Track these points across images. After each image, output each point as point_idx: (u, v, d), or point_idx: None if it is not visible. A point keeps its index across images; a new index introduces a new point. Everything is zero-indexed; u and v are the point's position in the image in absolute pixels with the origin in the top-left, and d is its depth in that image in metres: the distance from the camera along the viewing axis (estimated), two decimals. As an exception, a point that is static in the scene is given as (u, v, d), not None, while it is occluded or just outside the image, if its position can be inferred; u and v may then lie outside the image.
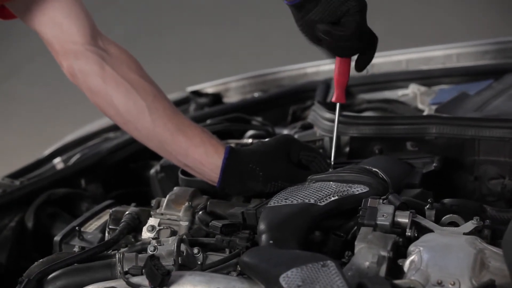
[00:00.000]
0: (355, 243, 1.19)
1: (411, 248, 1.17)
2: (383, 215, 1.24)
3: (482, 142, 1.58)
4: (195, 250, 1.34)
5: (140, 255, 1.33)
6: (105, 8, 6.22)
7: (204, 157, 1.51)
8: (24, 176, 2.14)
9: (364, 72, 1.56)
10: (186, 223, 1.48)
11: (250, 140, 1.84)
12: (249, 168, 1.49)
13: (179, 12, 6.49)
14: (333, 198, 1.34)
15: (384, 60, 2.42)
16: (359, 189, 1.37)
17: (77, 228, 1.60)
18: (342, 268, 1.11)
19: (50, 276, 1.31)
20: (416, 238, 1.21)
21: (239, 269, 1.25)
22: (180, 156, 1.54)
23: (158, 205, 1.54)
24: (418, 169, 1.57)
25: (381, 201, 1.27)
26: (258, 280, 1.15)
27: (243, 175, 1.49)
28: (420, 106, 2.14)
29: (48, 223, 1.89)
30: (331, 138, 1.65)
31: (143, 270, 1.20)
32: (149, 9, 6.75)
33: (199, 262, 1.33)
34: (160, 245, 1.33)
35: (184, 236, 1.36)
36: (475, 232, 1.23)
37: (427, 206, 1.31)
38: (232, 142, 1.80)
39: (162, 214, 1.51)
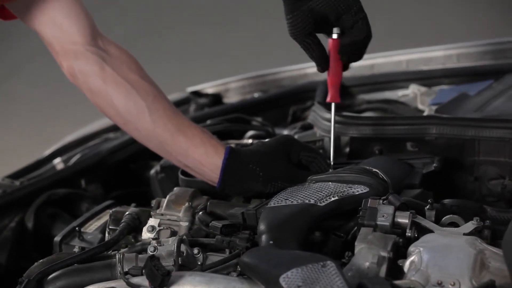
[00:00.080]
0: (355, 243, 1.19)
1: (411, 248, 1.17)
2: (383, 216, 1.24)
3: (482, 143, 1.58)
4: (195, 251, 1.34)
5: (140, 256, 1.33)
6: (105, 8, 6.22)
7: (204, 158, 1.51)
8: (24, 177, 2.14)
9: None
10: (186, 223, 1.48)
11: (250, 141, 1.84)
12: (249, 169, 1.49)
13: (179, 12, 6.49)
14: (333, 199, 1.34)
15: (384, 61, 2.43)
16: (359, 189, 1.37)
17: (77, 228, 1.60)
18: (342, 268, 1.11)
19: (50, 276, 1.31)
20: (416, 239, 1.21)
21: (239, 269, 1.25)
22: (180, 156, 1.54)
23: (158, 206, 1.54)
24: (418, 169, 1.57)
25: (381, 201, 1.27)
26: (258, 280, 1.15)
27: (243, 176, 1.49)
28: (420, 106, 2.14)
29: (48, 223, 1.89)
30: (331, 138, 1.65)
31: (143, 271, 1.20)
32: (149, 9, 6.76)
33: (199, 263, 1.34)
34: (160, 246, 1.33)
35: (184, 237, 1.36)
36: (475, 232, 1.23)
37: (427, 207, 1.31)
38: (232, 143, 1.80)
39: (162, 214, 1.51)
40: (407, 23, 5.58)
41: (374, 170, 1.43)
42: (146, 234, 1.46)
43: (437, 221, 1.30)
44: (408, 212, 1.25)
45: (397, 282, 1.08)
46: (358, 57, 1.53)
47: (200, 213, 1.48)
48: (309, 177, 1.46)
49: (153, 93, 1.53)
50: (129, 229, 1.48)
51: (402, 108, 2.14)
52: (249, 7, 6.21)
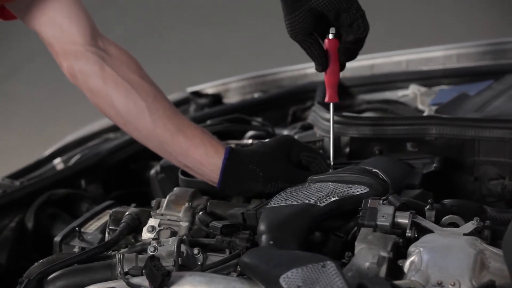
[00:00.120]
0: (355, 243, 1.19)
1: (411, 248, 1.17)
2: (383, 216, 1.24)
3: (482, 143, 1.58)
4: (195, 251, 1.34)
5: (140, 256, 1.33)
6: (105, 8, 6.22)
7: (204, 158, 1.51)
8: (24, 177, 2.15)
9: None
10: (186, 223, 1.48)
11: (250, 141, 1.84)
12: (249, 169, 1.49)
13: (179, 12, 6.49)
14: (333, 199, 1.34)
15: (384, 61, 2.43)
16: (359, 189, 1.37)
17: (77, 228, 1.60)
18: (342, 268, 1.11)
19: (50, 276, 1.31)
20: (416, 239, 1.21)
21: (239, 269, 1.25)
22: (180, 156, 1.54)
23: (158, 206, 1.54)
24: (418, 169, 1.57)
25: (381, 201, 1.27)
26: (258, 280, 1.15)
27: (243, 176, 1.49)
28: (420, 106, 2.14)
29: (48, 223, 1.89)
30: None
31: (143, 271, 1.20)
32: (149, 9, 6.76)
33: (199, 263, 1.34)
34: (160, 246, 1.33)
35: (184, 237, 1.36)
36: (475, 232, 1.23)
37: (427, 207, 1.31)
38: (232, 143, 1.80)
39: (162, 214, 1.51)
40: (407, 23, 5.58)
41: (374, 170, 1.43)
42: (146, 234, 1.46)
43: (437, 221, 1.30)
44: (408, 212, 1.25)
45: (397, 282, 1.08)
46: (354, 55, 1.53)
47: (200, 213, 1.48)
48: (309, 177, 1.46)
49: (153, 93, 1.53)
50: (129, 229, 1.48)
51: (402, 108, 2.14)
52: (249, 7, 6.21)
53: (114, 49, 1.56)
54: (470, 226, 1.24)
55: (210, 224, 1.40)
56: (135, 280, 1.22)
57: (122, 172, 2.15)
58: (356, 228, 1.27)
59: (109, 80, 1.52)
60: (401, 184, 1.47)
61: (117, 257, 1.32)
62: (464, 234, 1.22)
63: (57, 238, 1.59)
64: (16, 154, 3.92)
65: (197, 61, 5.67)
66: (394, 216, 1.24)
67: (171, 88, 2.26)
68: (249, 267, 1.18)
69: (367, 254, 1.16)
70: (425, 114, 1.97)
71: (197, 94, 2.67)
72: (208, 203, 1.51)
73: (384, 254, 1.15)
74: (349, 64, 1.57)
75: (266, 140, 1.61)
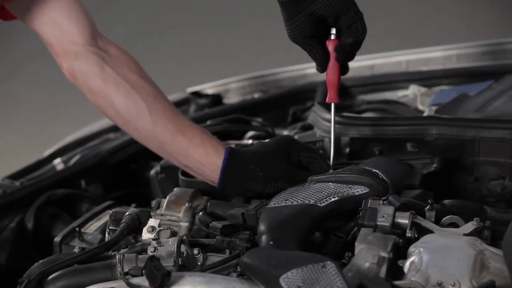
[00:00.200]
0: (355, 244, 1.19)
1: (411, 249, 1.17)
2: (383, 216, 1.24)
3: (482, 143, 1.58)
4: (195, 251, 1.34)
5: (140, 256, 1.33)
6: (105, 8, 6.22)
7: (204, 158, 1.51)
8: (24, 177, 2.14)
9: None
10: (186, 224, 1.48)
11: (250, 141, 1.84)
12: (249, 169, 1.49)
13: (179, 12, 6.49)
14: (333, 199, 1.34)
15: (384, 61, 2.42)
16: (359, 190, 1.37)
17: (77, 229, 1.60)
18: (342, 269, 1.11)
19: (50, 277, 1.31)
20: (416, 239, 1.21)
21: (239, 270, 1.25)
22: (180, 156, 1.54)
23: (158, 206, 1.54)
24: (418, 170, 1.57)
25: (381, 202, 1.27)
26: (258, 281, 1.15)
27: (243, 176, 1.49)
28: (420, 107, 2.14)
29: (48, 224, 1.89)
30: (331, 139, 1.65)
31: (143, 271, 1.20)
32: (149, 9, 6.76)
33: (199, 263, 1.34)
34: (160, 246, 1.33)
35: (184, 237, 1.36)
36: (475, 233, 1.23)
37: (427, 207, 1.31)
38: (232, 143, 1.80)
39: (162, 215, 1.51)
40: (407, 23, 5.58)
41: (374, 170, 1.43)
42: (146, 235, 1.46)
43: (437, 221, 1.30)
44: (408, 213, 1.25)
45: (397, 282, 1.08)
46: (352, 56, 1.53)
47: (200, 213, 1.48)
48: (309, 178, 1.46)
49: (153, 94, 1.53)
50: (129, 230, 1.48)
51: (402, 108, 2.14)
52: (249, 7, 6.20)
53: (114, 49, 1.57)
54: (470, 226, 1.24)
55: (210, 225, 1.40)
56: (135, 281, 1.22)
57: (122, 172, 2.15)
58: (356, 228, 1.27)
59: (109, 80, 1.52)
60: (401, 184, 1.47)
61: (117, 257, 1.32)
62: (464, 235, 1.22)
63: (57, 239, 1.59)
64: (16, 154, 3.92)
65: (197, 61, 5.67)
66: (394, 217, 1.24)
67: (171, 89, 2.26)
68: (249, 268, 1.18)
69: (367, 255, 1.16)
70: (425, 114, 1.97)
71: (197, 94, 2.67)
72: (208, 204, 1.51)
73: (384, 254, 1.15)
74: (349, 64, 1.57)
75: (266, 140, 1.61)
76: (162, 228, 1.47)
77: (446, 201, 1.37)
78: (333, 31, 1.51)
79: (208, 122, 2.01)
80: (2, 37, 6.27)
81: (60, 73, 1.58)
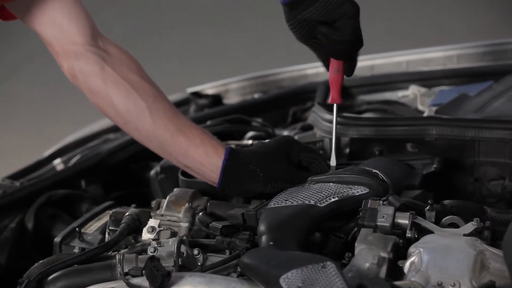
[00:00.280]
0: (355, 244, 1.19)
1: (411, 249, 1.17)
2: (383, 217, 1.24)
3: (482, 143, 1.58)
4: (195, 251, 1.34)
5: (140, 256, 1.33)
6: (105, 8, 6.22)
7: (204, 158, 1.51)
8: (24, 177, 2.14)
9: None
10: (186, 224, 1.48)
11: (250, 141, 1.84)
12: (249, 169, 1.49)
13: (179, 12, 6.49)
14: (333, 199, 1.34)
15: (384, 61, 2.42)
16: (359, 190, 1.37)
17: (77, 229, 1.60)
18: (342, 269, 1.11)
19: (50, 277, 1.31)
20: (416, 240, 1.21)
21: (239, 270, 1.25)
22: (180, 156, 1.54)
23: (158, 206, 1.54)
24: (418, 170, 1.57)
25: (381, 202, 1.27)
26: (258, 281, 1.15)
27: (243, 176, 1.49)
28: (420, 107, 2.14)
29: (48, 224, 1.89)
30: (331, 139, 1.65)
31: (143, 271, 1.20)
32: (149, 9, 6.76)
33: (199, 263, 1.34)
34: (160, 246, 1.33)
35: (184, 237, 1.36)
36: (475, 233, 1.23)
37: (427, 208, 1.31)
38: (232, 143, 1.80)
39: (162, 215, 1.51)
40: (407, 24, 5.58)
41: (374, 171, 1.43)
42: (146, 235, 1.46)
43: (437, 222, 1.30)
44: (408, 213, 1.25)
45: (397, 283, 1.08)
46: (350, 60, 1.53)
47: (200, 214, 1.48)
48: (309, 178, 1.46)
49: (153, 94, 1.53)
50: (129, 230, 1.48)
51: (402, 109, 2.14)
52: (249, 7, 6.21)
53: (114, 49, 1.57)
54: (470, 226, 1.24)
55: (210, 225, 1.40)
56: (135, 281, 1.22)
57: (122, 172, 2.15)
58: (356, 228, 1.27)
59: (109, 80, 1.52)
60: (401, 184, 1.47)
61: (117, 257, 1.32)
62: (464, 235, 1.22)
63: (57, 239, 1.59)
64: (16, 155, 3.92)
65: (197, 62, 5.67)
66: (394, 217, 1.24)
67: (171, 89, 2.26)
68: (249, 268, 1.18)
69: (367, 255, 1.16)
70: (425, 114, 1.97)
71: (197, 94, 2.67)
72: (208, 204, 1.51)
73: (384, 254, 1.15)
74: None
75: (266, 140, 1.61)
76: (162, 228, 1.47)
77: (446, 202, 1.37)
78: None
79: (208, 123, 2.01)
80: (2, 37, 6.27)
81: (60, 73, 1.58)
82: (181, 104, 2.60)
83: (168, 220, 1.50)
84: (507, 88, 1.95)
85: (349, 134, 1.71)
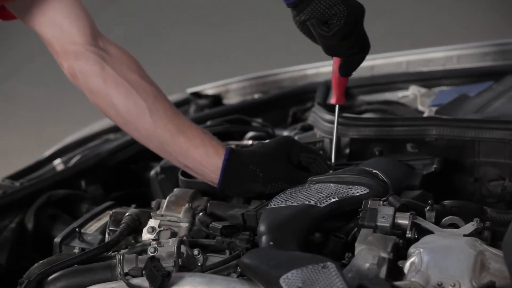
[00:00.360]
0: (355, 244, 1.19)
1: (411, 249, 1.17)
2: (383, 217, 1.24)
3: (482, 144, 1.58)
4: (195, 252, 1.34)
5: (140, 257, 1.33)
6: (105, 8, 6.22)
7: (204, 158, 1.51)
8: (24, 177, 2.14)
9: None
10: (186, 224, 1.48)
11: (250, 142, 1.84)
12: (249, 169, 1.49)
13: (179, 13, 6.49)
14: (333, 200, 1.34)
15: (384, 62, 2.42)
16: (359, 190, 1.37)
17: (77, 229, 1.60)
18: (342, 269, 1.11)
19: (50, 277, 1.31)
20: (416, 240, 1.21)
21: (239, 270, 1.25)
22: (180, 157, 1.54)
23: (158, 207, 1.54)
24: (418, 170, 1.57)
25: (381, 202, 1.27)
26: (258, 281, 1.15)
27: (243, 176, 1.49)
28: (420, 107, 2.14)
29: (48, 224, 1.89)
30: (331, 140, 1.65)
31: (143, 272, 1.20)
32: (149, 9, 6.76)
33: (199, 264, 1.34)
34: (160, 247, 1.33)
35: (184, 238, 1.36)
36: (475, 233, 1.23)
37: (427, 208, 1.31)
38: (232, 144, 1.80)
39: (162, 215, 1.51)
40: (407, 24, 5.58)
41: (374, 171, 1.43)
42: (146, 235, 1.46)
43: (437, 222, 1.30)
44: (408, 213, 1.25)
45: (397, 283, 1.08)
46: (346, 59, 1.54)
47: (200, 214, 1.48)
48: (309, 178, 1.46)
49: (153, 94, 1.53)
50: (129, 230, 1.48)
51: (402, 109, 2.14)
52: (249, 7, 6.21)
53: (114, 49, 1.56)
54: (470, 227, 1.24)
55: (210, 225, 1.40)
56: (135, 281, 1.22)
57: (122, 173, 2.15)
58: (356, 229, 1.27)
59: (109, 80, 1.52)
60: (401, 185, 1.47)
61: (117, 258, 1.32)
62: (464, 235, 1.22)
63: (57, 239, 1.59)
64: (16, 155, 3.92)
65: (197, 62, 5.66)
66: (394, 217, 1.24)
67: (171, 89, 2.26)
68: (249, 268, 1.18)
69: (367, 255, 1.16)
70: (425, 115, 1.97)
71: (197, 95, 2.67)
72: (208, 204, 1.51)
73: (384, 255, 1.15)
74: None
75: (266, 141, 1.61)
76: (162, 228, 1.47)
77: (446, 202, 1.37)
78: None
79: (208, 123, 2.01)
80: (2, 37, 6.27)
81: (60, 73, 1.58)
82: (181, 104, 2.60)
83: (168, 221, 1.50)
84: (507, 88, 1.95)
85: (349, 135, 1.71)
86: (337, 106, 1.60)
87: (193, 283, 1.19)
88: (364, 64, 1.57)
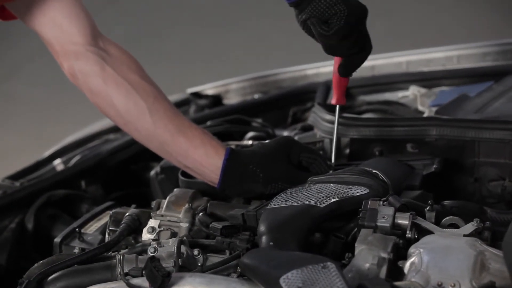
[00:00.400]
0: (355, 244, 1.19)
1: (411, 249, 1.17)
2: (383, 217, 1.24)
3: (482, 144, 1.58)
4: (195, 252, 1.34)
5: (140, 257, 1.33)
6: (105, 8, 6.22)
7: (204, 158, 1.51)
8: (24, 178, 2.14)
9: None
10: (186, 224, 1.48)
11: (250, 142, 1.84)
12: (249, 170, 1.49)
13: (179, 13, 6.49)
14: (333, 200, 1.34)
15: (384, 62, 2.42)
16: (359, 190, 1.37)
17: (77, 229, 1.60)
18: (342, 269, 1.11)
19: (50, 277, 1.31)
20: (416, 240, 1.21)
21: (240, 270, 1.25)
22: (180, 157, 1.54)
23: (158, 207, 1.54)
24: (418, 170, 1.57)
25: (381, 202, 1.27)
26: (259, 281, 1.15)
27: (243, 177, 1.49)
28: (420, 107, 2.14)
29: (48, 224, 1.89)
30: (331, 140, 1.65)
31: (143, 272, 1.20)
32: (149, 9, 6.75)
33: (199, 264, 1.34)
34: (160, 247, 1.33)
35: (184, 238, 1.36)
36: (475, 234, 1.23)
37: (427, 208, 1.31)
38: (232, 144, 1.80)
39: (162, 215, 1.51)
40: (407, 24, 5.58)
41: (374, 171, 1.43)
42: (146, 235, 1.46)
43: (437, 222, 1.30)
44: (408, 214, 1.25)
45: (397, 283, 1.08)
46: (346, 59, 1.54)
47: (200, 214, 1.48)
48: (309, 178, 1.46)
49: (153, 94, 1.53)
50: (129, 230, 1.48)
51: (402, 109, 2.14)
52: (249, 7, 6.21)
53: (114, 49, 1.56)
54: (470, 227, 1.24)
55: (210, 225, 1.40)
56: (135, 281, 1.22)
57: (122, 173, 2.15)
58: (356, 229, 1.27)
59: (109, 80, 1.52)
60: (401, 185, 1.47)
61: (117, 258, 1.32)
62: (464, 235, 1.22)
63: (57, 239, 1.59)
64: (16, 155, 3.92)
65: (197, 62, 5.66)
66: (394, 217, 1.24)
67: (171, 89, 2.26)
68: (249, 268, 1.18)
69: (367, 255, 1.16)
70: (425, 115, 1.97)
71: (197, 95, 2.67)
72: (208, 204, 1.51)
73: (384, 255, 1.15)
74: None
75: (266, 141, 1.61)
76: (162, 228, 1.47)
77: (446, 202, 1.37)
78: None
79: (208, 123, 2.01)
80: (2, 37, 6.27)
81: (60, 73, 1.58)
82: (181, 105, 2.60)
83: (168, 221, 1.50)
84: (507, 88, 1.95)
85: (349, 135, 1.71)
86: (337, 106, 1.60)
87: (193, 283, 1.19)
88: (365, 64, 1.57)
